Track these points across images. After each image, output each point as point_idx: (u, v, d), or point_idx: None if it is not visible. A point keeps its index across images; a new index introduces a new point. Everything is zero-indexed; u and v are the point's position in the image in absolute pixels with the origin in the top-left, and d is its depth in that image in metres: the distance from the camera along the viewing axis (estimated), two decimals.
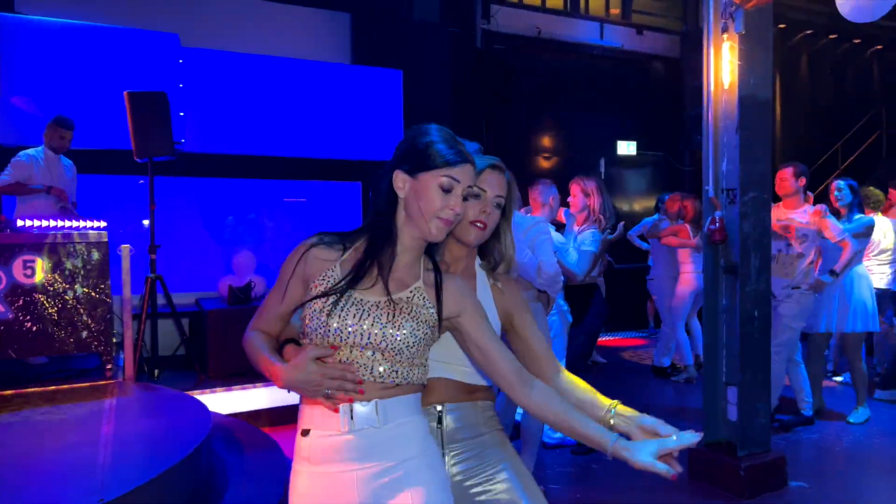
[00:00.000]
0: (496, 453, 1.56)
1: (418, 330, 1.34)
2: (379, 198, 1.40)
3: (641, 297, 7.76)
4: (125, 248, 3.90)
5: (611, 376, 6.09)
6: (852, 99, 10.38)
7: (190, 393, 3.80)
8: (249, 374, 5.03)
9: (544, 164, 8.51)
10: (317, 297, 1.34)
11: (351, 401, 1.32)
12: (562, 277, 3.18)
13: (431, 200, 1.34)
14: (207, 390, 4.57)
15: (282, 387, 1.36)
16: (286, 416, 4.61)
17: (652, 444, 1.30)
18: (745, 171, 3.46)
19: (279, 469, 2.88)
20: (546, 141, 8.55)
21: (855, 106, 10.25)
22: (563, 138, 8.59)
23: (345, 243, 1.41)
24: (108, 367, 3.88)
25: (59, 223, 3.93)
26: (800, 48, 10.18)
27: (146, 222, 5.02)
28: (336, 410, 1.32)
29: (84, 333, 3.80)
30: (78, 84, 5.41)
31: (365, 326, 1.32)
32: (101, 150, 5.43)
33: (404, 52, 6.87)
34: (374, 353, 1.32)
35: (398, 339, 1.32)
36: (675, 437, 1.30)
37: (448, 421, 1.54)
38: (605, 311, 4.25)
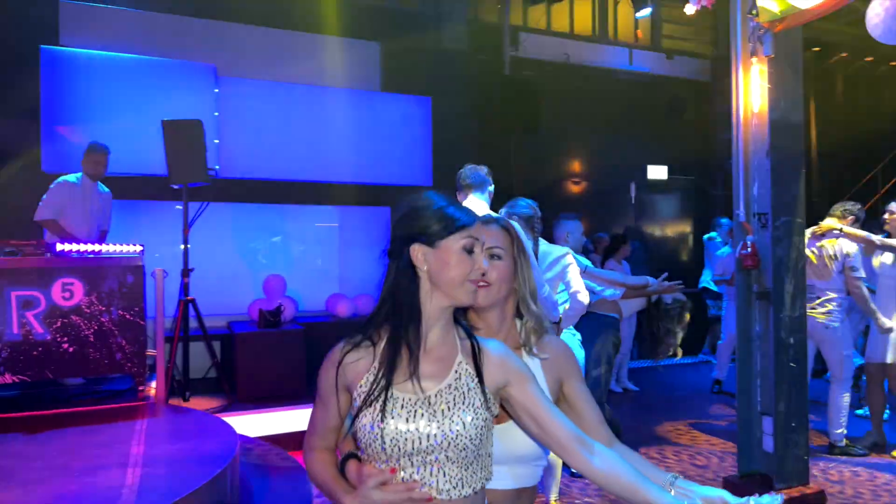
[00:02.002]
0: None
1: (477, 417, 1.25)
2: (398, 278, 1.30)
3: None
4: (159, 272, 3.99)
5: (643, 403, 5.97)
6: (890, 121, 10.15)
7: (219, 415, 3.84)
8: (278, 397, 5.07)
9: (574, 189, 8.48)
10: (363, 405, 1.26)
11: None
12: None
13: (458, 265, 1.28)
14: (236, 413, 4.61)
15: None
16: None
17: None
18: (777, 195, 3.41)
19: (304, 493, 2.87)
20: (575, 166, 8.53)
21: (893, 128, 10.01)
22: (592, 163, 8.57)
23: (372, 339, 1.33)
24: (141, 388, 3.94)
25: (97, 247, 4.04)
26: (835, 71, 10.02)
27: (181, 246, 5.14)
28: None
29: (118, 355, 3.88)
30: (119, 113, 5.61)
31: (420, 428, 1.23)
32: (139, 177, 5.61)
33: (433, 79, 6.98)
34: (437, 457, 1.23)
35: (461, 433, 1.23)
36: (752, 502, 1.18)
37: None
38: (617, 341, 4.19)
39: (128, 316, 3.91)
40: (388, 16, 7.16)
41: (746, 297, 3.53)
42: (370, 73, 7.05)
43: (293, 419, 4.69)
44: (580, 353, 4.01)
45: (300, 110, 6.44)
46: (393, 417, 1.23)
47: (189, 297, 4.98)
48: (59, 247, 3.96)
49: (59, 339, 3.74)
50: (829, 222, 4.52)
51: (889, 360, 4.43)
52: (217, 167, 5.64)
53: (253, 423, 4.51)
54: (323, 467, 1.37)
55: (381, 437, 1.23)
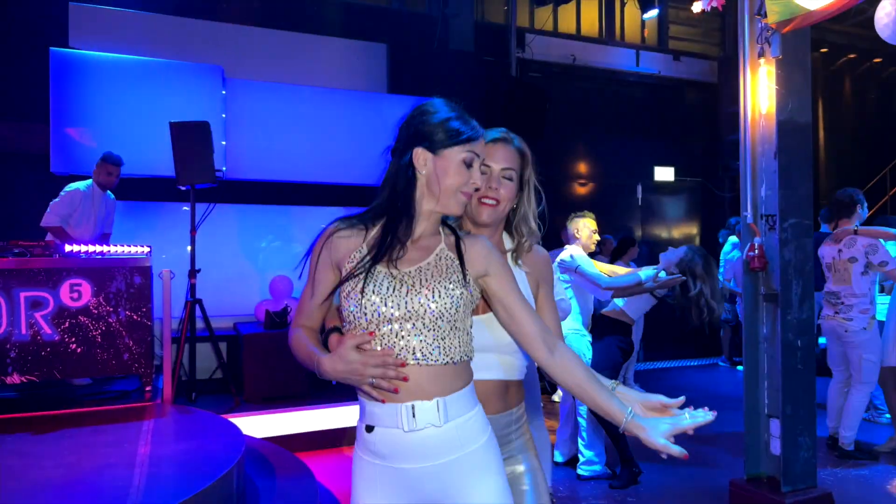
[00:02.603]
0: (521, 451, 1.59)
1: (453, 291, 1.35)
2: (398, 176, 1.42)
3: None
4: (166, 273, 4.01)
5: None
6: None
7: (225, 416, 3.85)
8: (284, 398, 5.08)
9: (580, 190, 8.47)
10: (348, 278, 1.36)
11: (393, 388, 1.33)
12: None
13: (455, 176, 1.38)
14: (243, 414, 4.62)
15: (328, 378, 1.37)
16: (321, 441, 4.63)
17: (665, 422, 1.32)
18: (785, 197, 3.39)
19: (309, 494, 2.88)
20: (582, 167, 8.52)
21: None
22: (599, 164, 8.55)
23: (366, 224, 1.44)
24: (148, 389, 3.96)
25: (105, 248, 4.07)
26: (843, 72, 9.97)
27: (188, 248, 5.16)
28: (384, 401, 1.33)
29: (126, 356, 3.89)
30: (127, 115, 5.64)
31: (401, 297, 1.32)
32: (147, 178, 5.64)
33: (439, 80, 6.98)
34: (413, 324, 1.32)
35: (436, 303, 1.33)
36: (687, 416, 1.32)
37: None
38: (626, 347, 4.06)
39: (135, 317, 3.92)
40: (395, 17, 7.18)
41: (754, 299, 3.51)
42: (377, 74, 7.06)
43: (299, 420, 4.70)
44: (587, 355, 4.01)
45: (307, 112, 6.46)
46: (374, 291, 1.33)
47: (196, 298, 5.00)
48: (67, 248, 3.99)
49: (66, 340, 3.76)
50: (843, 228, 4.45)
51: None
52: (224, 168, 5.65)
53: (259, 424, 4.52)
54: (305, 337, 1.45)
55: (362, 305, 1.32)
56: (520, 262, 1.63)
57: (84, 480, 2.38)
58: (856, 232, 4.34)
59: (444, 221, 1.47)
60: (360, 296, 1.33)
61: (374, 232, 1.41)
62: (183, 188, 5.08)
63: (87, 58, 5.62)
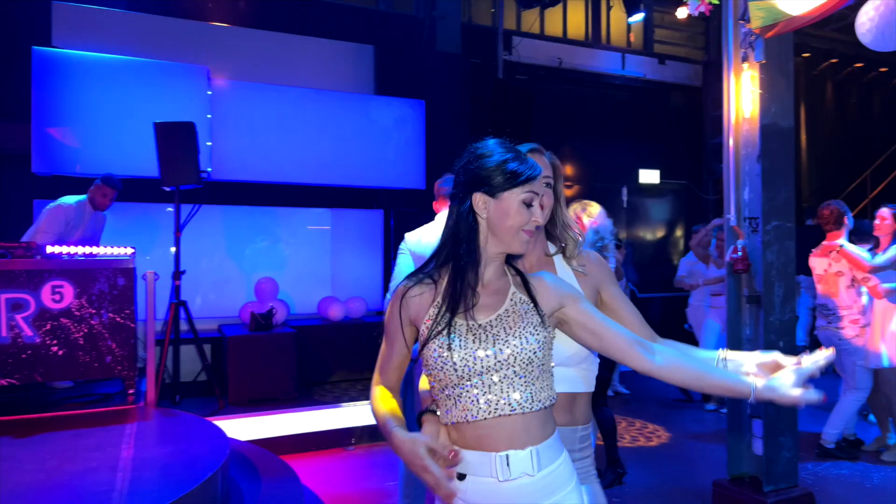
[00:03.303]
0: (584, 475, 1.58)
1: (537, 335, 1.36)
2: (459, 222, 1.41)
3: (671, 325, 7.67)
4: (150, 274, 3.97)
5: (634, 407, 5.99)
6: (879, 127, 10.25)
7: (210, 419, 3.82)
8: (270, 401, 5.05)
9: (566, 192, 8.48)
10: (430, 337, 1.36)
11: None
12: None
13: (516, 216, 1.39)
14: (227, 416, 4.59)
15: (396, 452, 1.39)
16: (306, 444, 4.62)
17: (789, 375, 1.30)
18: (768, 200, 3.43)
19: (295, 497, 2.86)
20: (568, 169, 8.56)
21: (882, 134, 10.11)
22: (584, 166, 8.60)
23: (433, 277, 1.44)
24: (131, 392, 3.92)
25: (88, 249, 4.02)
26: (825, 77, 10.11)
27: (172, 249, 5.12)
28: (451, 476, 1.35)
29: (108, 358, 3.85)
30: (111, 115, 5.59)
31: (485, 350, 1.33)
32: (131, 178, 5.58)
33: (427, 82, 6.99)
34: (504, 374, 1.34)
35: (524, 350, 1.34)
36: (805, 363, 1.31)
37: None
38: None
39: (118, 319, 3.88)
40: (382, 19, 7.17)
41: (737, 300, 3.55)
42: (364, 76, 7.06)
43: (285, 423, 4.68)
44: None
45: (293, 112, 6.44)
46: (461, 346, 1.34)
47: (180, 300, 4.96)
48: (49, 249, 3.94)
49: (48, 342, 3.72)
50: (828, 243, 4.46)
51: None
52: (209, 169, 5.61)
53: (244, 427, 4.49)
54: (380, 403, 1.46)
55: (452, 361, 1.33)
56: (573, 263, 1.66)
57: (65, 485, 2.35)
58: (839, 251, 4.37)
59: (508, 261, 1.47)
60: (447, 354, 1.34)
61: (445, 284, 1.41)
62: (167, 189, 5.04)
63: (71, 57, 5.56)
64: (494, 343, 1.34)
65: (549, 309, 1.42)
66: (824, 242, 4.50)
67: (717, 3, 3.42)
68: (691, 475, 4.14)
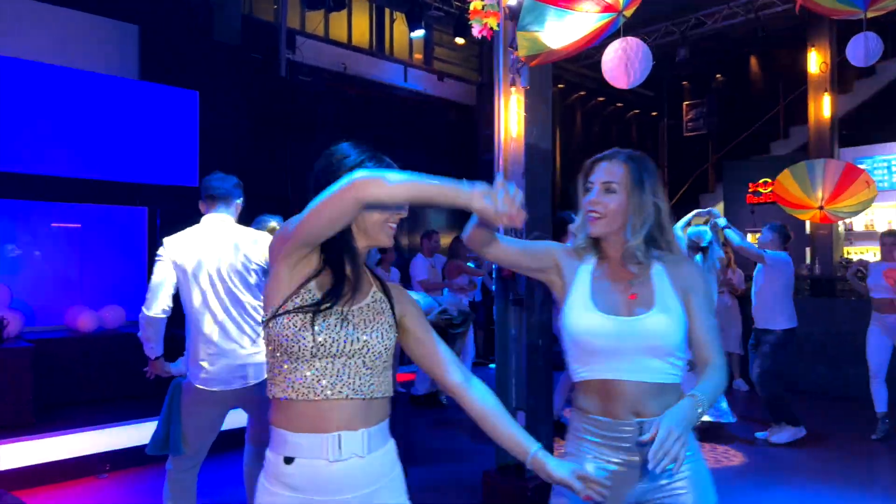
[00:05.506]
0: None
1: (389, 332, 1.46)
2: None
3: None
4: None
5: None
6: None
7: None
8: None
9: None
10: (297, 310, 1.38)
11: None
12: None
13: (383, 211, 1.45)
14: None
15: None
16: (49, 475, 3.98)
17: (569, 465, 1.46)
18: (530, 214, 3.78)
19: None
20: None
21: None
22: None
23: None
24: None
25: None
26: (575, 106, 11.56)
27: None
28: None
29: None
30: None
31: (345, 335, 1.39)
32: None
33: (201, 72, 6.51)
34: (356, 361, 1.40)
35: (378, 342, 1.43)
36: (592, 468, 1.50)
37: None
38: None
39: None
40: None
41: (504, 303, 3.86)
42: (126, 58, 6.34)
43: (20, 452, 3.98)
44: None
45: (34, 91, 5.54)
46: (327, 322, 1.38)
47: None
48: None
49: None
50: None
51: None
52: None
53: None
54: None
55: (312, 338, 1.36)
56: (657, 272, 1.65)
57: None
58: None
59: (367, 265, 1.54)
60: (310, 331, 1.37)
61: (324, 271, 1.44)
62: None
63: None
64: (355, 329, 1.41)
65: (399, 314, 1.52)
66: None
67: (496, 28, 3.70)
68: (465, 468, 4.40)
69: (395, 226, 1.48)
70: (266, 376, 1.46)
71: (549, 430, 3.85)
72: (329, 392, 1.38)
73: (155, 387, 3.00)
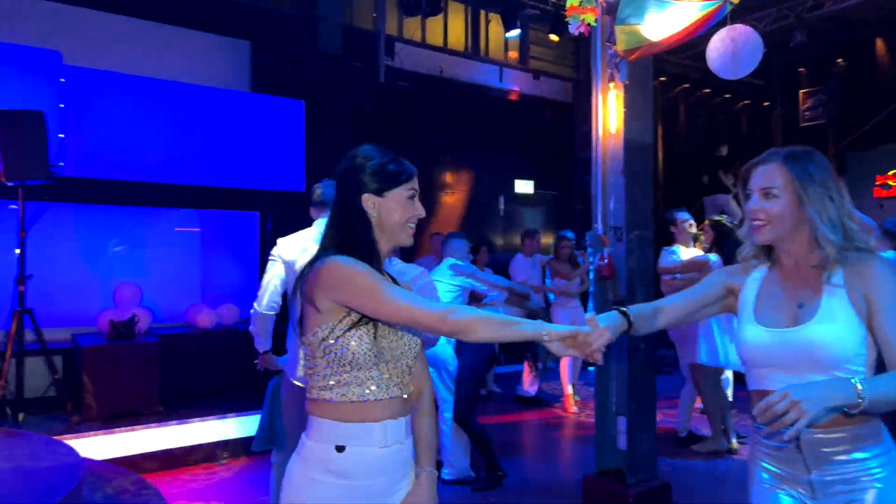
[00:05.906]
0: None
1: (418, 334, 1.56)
2: (356, 221, 1.52)
3: None
4: None
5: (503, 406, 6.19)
6: (724, 145, 11.37)
7: (60, 437, 3.47)
8: (130, 416, 4.69)
9: (447, 199, 8.65)
10: (356, 325, 1.45)
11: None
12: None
13: (404, 212, 1.54)
14: (82, 434, 4.20)
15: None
16: (172, 461, 4.31)
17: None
18: (630, 211, 3.69)
19: None
20: (448, 177, 8.72)
21: (727, 152, 11.22)
22: (464, 175, 8.80)
23: None
24: None
25: None
26: (678, 99, 11.06)
27: (17, 251, 4.61)
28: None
29: None
30: None
31: (404, 340, 1.51)
32: None
33: (306, 82, 6.83)
34: (403, 362, 1.52)
35: (416, 342, 1.55)
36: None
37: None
38: (486, 349, 4.16)
39: None
40: (260, 15, 6.91)
41: (602, 305, 3.77)
42: (239, 72, 6.77)
43: (148, 439, 4.35)
44: (453, 361, 4.05)
45: (160, 106, 6.03)
46: (385, 329, 1.47)
47: (25, 307, 4.47)
48: None
49: None
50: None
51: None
52: (62, 164, 5.12)
53: (102, 445, 4.13)
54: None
55: (377, 346, 1.46)
56: (832, 278, 1.51)
57: None
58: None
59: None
60: (373, 340, 1.45)
61: None
62: (10, 184, 4.53)
63: None
64: (405, 332, 1.51)
65: None
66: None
67: (594, 24, 3.63)
68: (564, 471, 4.34)
69: (414, 226, 1.57)
70: (311, 383, 1.53)
71: (651, 437, 3.72)
72: (384, 394, 1.48)
73: (265, 380, 3.18)
